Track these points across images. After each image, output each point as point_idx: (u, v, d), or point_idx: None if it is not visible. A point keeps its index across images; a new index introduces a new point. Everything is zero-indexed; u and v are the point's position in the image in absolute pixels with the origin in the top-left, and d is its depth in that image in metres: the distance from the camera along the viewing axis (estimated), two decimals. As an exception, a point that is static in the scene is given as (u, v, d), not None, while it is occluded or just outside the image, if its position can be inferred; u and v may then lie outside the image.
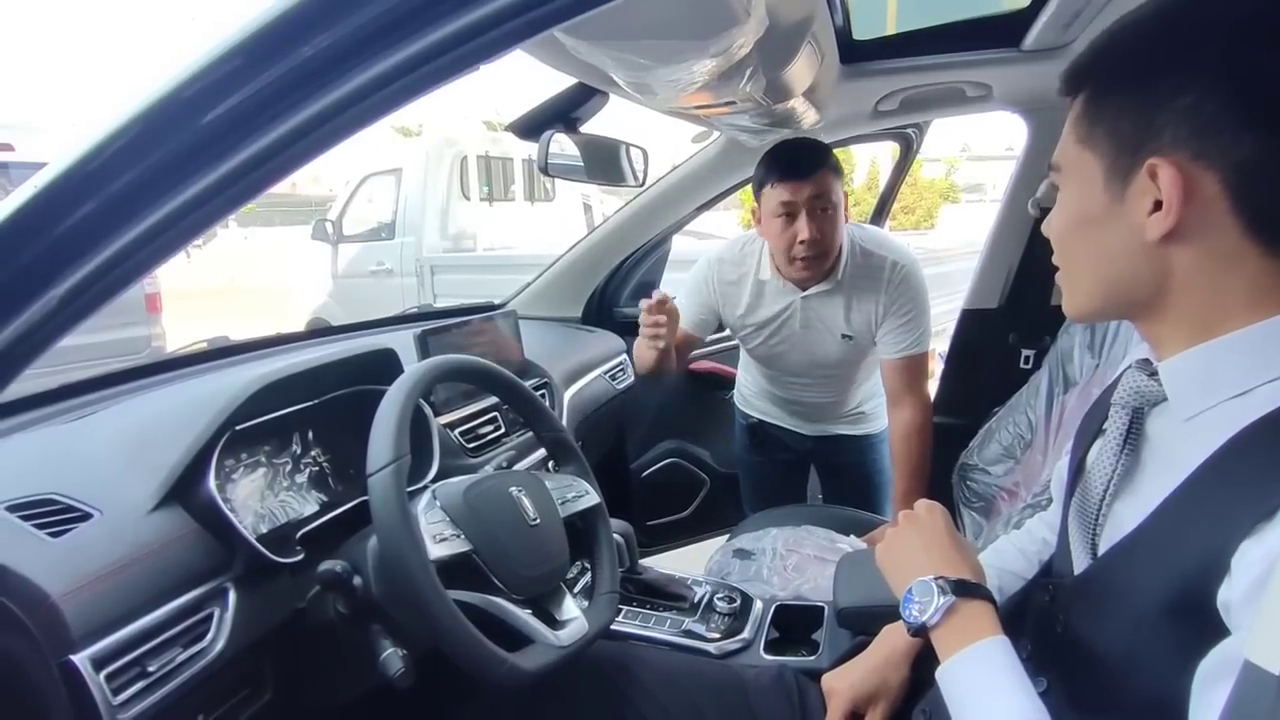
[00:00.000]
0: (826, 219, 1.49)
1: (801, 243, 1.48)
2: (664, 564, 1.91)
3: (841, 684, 0.93)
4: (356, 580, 0.85)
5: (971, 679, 0.66)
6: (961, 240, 5.48)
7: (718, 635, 1.18)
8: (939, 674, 0.69)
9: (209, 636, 0.80)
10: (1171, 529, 0.57)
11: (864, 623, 1.12)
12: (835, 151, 1.56)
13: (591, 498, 1.04)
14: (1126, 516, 0.64)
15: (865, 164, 15.69)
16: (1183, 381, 0.60)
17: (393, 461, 0.80)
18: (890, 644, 0.94)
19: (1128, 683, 0.60)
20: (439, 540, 0.82)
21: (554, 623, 0.91)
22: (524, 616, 0.87)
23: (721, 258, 1.70)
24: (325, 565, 0.82)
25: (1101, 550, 0.67)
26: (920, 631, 0.70)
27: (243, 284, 12.20)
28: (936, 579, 0.70)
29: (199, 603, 0.80)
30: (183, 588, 0.79)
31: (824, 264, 1.54)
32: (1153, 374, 0.64)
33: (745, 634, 1.18)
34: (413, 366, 0.94)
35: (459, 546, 0.84)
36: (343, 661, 0.92)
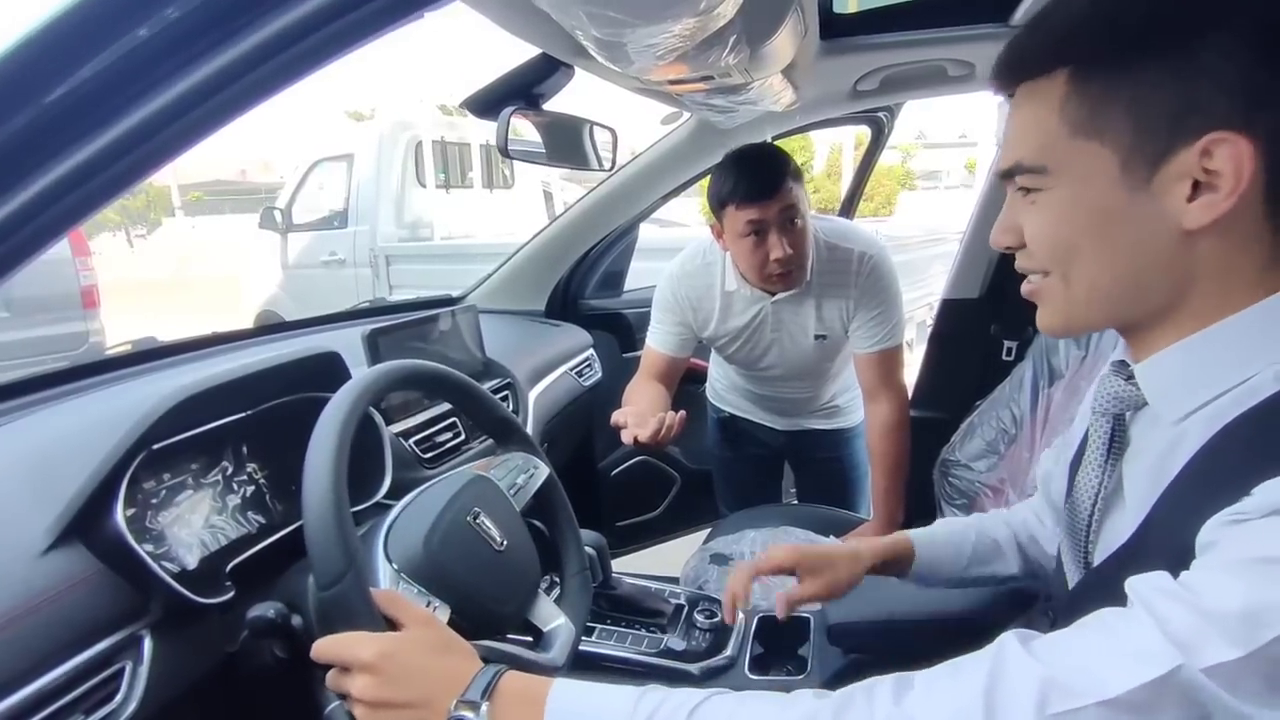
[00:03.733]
0: (796, 231, 1.42)
1: (776, 261, 1.41)
2: (635, 564, 1.84)
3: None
4: (296, 620, 0.74)
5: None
6: (922, 227, 5.44)
7: (699, 653, 1.10)
8: None
9: (119, 696, 0.68)
10: (1159, 538, 0.52)
11: (858, 639, 1.06)
12: (795, 139, 1.48)
13: (542, 471, 0.94)
14: (1119, 530, 0.59)
15: (825, 151, 15.67)
16: (1162, 383, 0.55)
17: (345, 574, 0.63)
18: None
19: None
20: None
21: (539, 636, 0.83)
22: (508, 649, 0.77)
23: (682, 272, 1.62)
24: (256, 611, 0.71)
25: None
26: None
27: (190, 276, 11.76)
28: (456, 705, 0.56)
29: (107, 657, 0.68)
30: (85, 641, 0.67)
31: (800, 274, 1.48)
32: (1129, 377, 0.58)
33: (729, 651, 1.11)
34: (344, 387, 0.76)
35: (442, 616, 0.71)
36: (283, 715, 0.81)
